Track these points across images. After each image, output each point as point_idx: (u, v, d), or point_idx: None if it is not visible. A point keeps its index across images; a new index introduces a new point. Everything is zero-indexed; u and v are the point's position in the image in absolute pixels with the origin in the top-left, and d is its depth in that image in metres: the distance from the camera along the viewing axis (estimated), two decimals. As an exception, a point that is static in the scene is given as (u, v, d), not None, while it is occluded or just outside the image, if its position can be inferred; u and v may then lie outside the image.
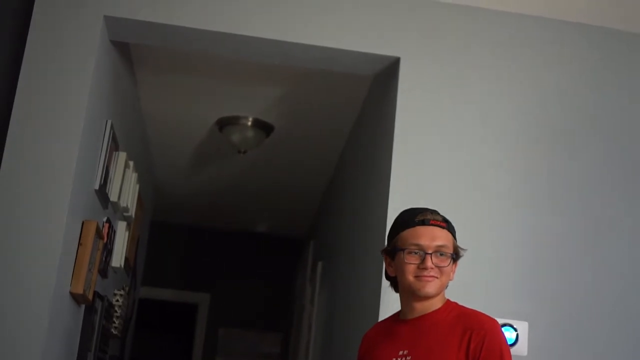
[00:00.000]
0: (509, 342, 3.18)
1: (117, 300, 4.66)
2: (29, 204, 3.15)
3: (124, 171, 4.13)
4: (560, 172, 3.49)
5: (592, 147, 3.54)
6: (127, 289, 4.99)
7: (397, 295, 2.51)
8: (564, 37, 3.63)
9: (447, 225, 2.45)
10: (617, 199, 3.49)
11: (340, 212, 5.25)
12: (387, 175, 3.44)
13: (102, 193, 3.72)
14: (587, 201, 3.47)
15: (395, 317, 2.54)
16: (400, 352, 2.38)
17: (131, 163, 4.36)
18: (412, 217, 2.43)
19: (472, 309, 2.45)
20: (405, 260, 2.38)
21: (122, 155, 4.06)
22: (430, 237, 2.39)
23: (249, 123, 5.09)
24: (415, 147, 3.45)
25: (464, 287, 3.27)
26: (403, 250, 2.39)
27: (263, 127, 5.15)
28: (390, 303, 2.67)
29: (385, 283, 2.57)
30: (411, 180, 3.41)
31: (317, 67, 3.82)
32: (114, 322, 4.63)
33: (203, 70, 4.47)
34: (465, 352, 2.29)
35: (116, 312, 4.66)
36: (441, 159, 3.46)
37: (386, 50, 3.54)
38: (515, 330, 3.24)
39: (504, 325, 3.23)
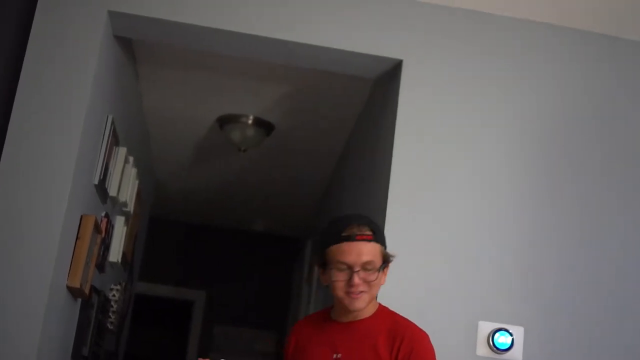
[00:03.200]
0: (504, 347, 3.22)
1: (114, 295, 4.66)
2: (28, 198, 3.16)
3: (124, 166, 4.14)
4: (560, 178, 3.49)
5: (593, 153, 3.54)
6: (123, 284, 4.99)
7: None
8: (568, 43, 3.63)
9: (374, 236, 2.45)
10: (615, 206, 3.49)
11: (337, 213, 5.25)
12: (386, 179, 3.44)
13: (101, 188, 3.72)
14: (585, 206, 3.47)
15: (327, 314, 2.59)
16: (335, 356, 2.43)
17: (131, 158, 4.36)
18: (339, 231, 2.44)
19: (404, 318, 2.50)
20: (333, 278, 2.42)
21: (122, 151, 4.06)
22: (357, 253, 2.40)
23: (250, 121, 5.09)
24: (415, 150, 3.45)
25: (459, 291, 3.30)
26: (331, 267, 2.43)
27: (264, 126, 5.15)
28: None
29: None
30: (411, 184, 3.41)
31: (319, 67, 3.82)
32: (110, 317, 4.63)
33: (205, 67, 4.47)
34: (396, 354, 2.35)
35: (112, 306, 4.65)
36: (442, 163, 3.46)
37: (389, 52, 3.54)
38: (511, 335, 3.24)
39: (500, 329, 3.24)
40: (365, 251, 2.42)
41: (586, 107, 3.58)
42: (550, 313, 3.34)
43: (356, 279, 2.39)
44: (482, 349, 3.26)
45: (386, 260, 2.47)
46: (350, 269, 2.40)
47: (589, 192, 3.49)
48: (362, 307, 2.44)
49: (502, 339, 3.24)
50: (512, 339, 3.24)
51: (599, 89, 3.61)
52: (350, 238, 2.42)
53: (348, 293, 2.41)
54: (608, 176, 3.52)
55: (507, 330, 3.25)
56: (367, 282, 2.41)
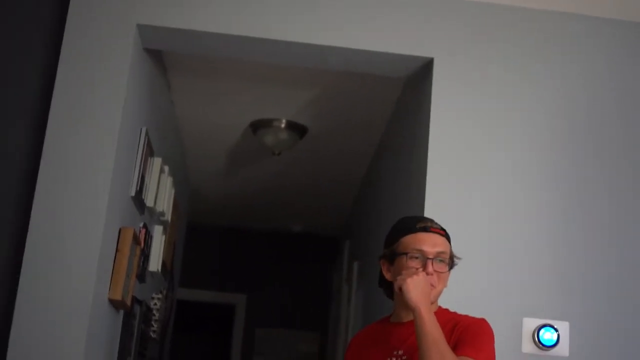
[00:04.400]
0: (550, 344, 3.19)
1: (155, 304, 4.69)
2: (67, 213, 3.18)
3: (159, 176, 4.16)
4: (590, 171, 3.46)
5: (622, 146, 3.49)
6: (164, 292, 5.02)
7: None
8: (593, 32, 3.59)
9: (445, 234, 2.49)
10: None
11: (375, 212, 5.24)
12: (423, 177, 3.42)
13: (138, 199, 3.74)
14: (618, 197, 3.44)
15: (385, 321, 2.57)
16: (395, 352, 2.41)
17: (166, 168, 4.38)
18: (414, 224, 2.48)
19: (465, 315, 2.48)
20: (407, 265, 2.40)
21: (157, 161, 4.08)
22: (432, 243, 2.43)
23: (283, 125, 5.10)
24: (450, 148, 3.44)
25: (502, 288, 3.27)
26: (405, 254, 2.42)
27: (297, 129, 5.15)
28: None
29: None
30: (447, 180, 3.40)
31: (349, 69, 3.81)
32: (153, 326, 4.66)
33: (236, 74, 4.48)
34: (454, 343, 2.32)
35: (154, 315, 4.68)
36: (477, 159, 3.44)
37: (419, 51, 3.52)
38: (556, 330, 3.21)
39: (545, 325, 3.21)
40: (439, 242, 2.45)
41: (613, 95, 3.54)
42: (596, 307, 3.30)
43: (430, 267, 2.40)
44: (528, 346, 3.24)
45: (453, 259, 2.48)
46: (425, 257, 2.41)
47: (620, 183, 3.45)
48: (432, 300, 2.42)
49: (547, 335, 3.21)
50: (558, 335, 3.21)
51: (625, 76, 3.57)
52: (426, 229, 2.46)
53: None
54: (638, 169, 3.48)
55: (552, 326, 3.22)
56: (438, 274, 2.41)
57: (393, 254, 2.47)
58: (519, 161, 3.45)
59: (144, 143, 3.73)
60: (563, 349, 3.23)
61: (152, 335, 4.67)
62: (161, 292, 4.85)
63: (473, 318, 2.45)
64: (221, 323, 8.69)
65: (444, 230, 2.50)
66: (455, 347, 2.28)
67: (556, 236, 3.37)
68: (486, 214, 3.38)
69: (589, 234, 3.39)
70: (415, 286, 2.32)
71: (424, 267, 2.40)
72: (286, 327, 8.28)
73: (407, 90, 4.17)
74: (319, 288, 8.11)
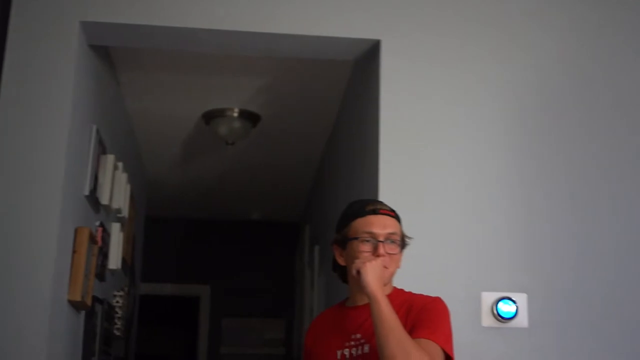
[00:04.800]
0: (509, 316, 3.22)
1: (117, 302, 4.67)
2: (20, 215, 3.16)
3: (114, 173, 4.13)
4: (547, 145, 3.48)
5: (577, 119, 3.53)
6: (126, 289, 5.01)
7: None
8: (544, 11, 3.62)
9: (395, 215, 2.51)
10: (615, 172, 3.48)
11: (332, 196, 5.26)
12: (375, 159, 3.44)
13: (92, 198, 3.72)
14: (584, 172, 3.47)
15: (342, 305, 2.59)
16: (353, 336, 2.42)
17: (120, 164, 4.36)
18: (363, 207, 2.49)
19: (420, 294, 2.49)
20: (359, 249, 2.42)
21: (110, 158, 4.05)
22: (382, 225, 2.44)
23: (235, 114, 5.09)
24: (401, 127, 3.44)
25: (459, 264, 3.31)
26: (356, 238, 2.43)
27: (249, 118, 5.15)
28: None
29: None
30: (400, 160, 3.41)
31: (298, 55, 3.81)
32: (116, 324, 4.65)
33: (185, 65, 4.46)
34: (411, 325, 2.32)
35: (117, 313, 4.67)
36: (429, 138, 3.45)
37: (366, 33, 3.53)
38: (515, 302, 3.24)
39: (503, 298, 3.24)
40: (389, 223, 2.46)
41: (584, 71, 3.58)
42: (553, 278, 3.33)
43: (381, 249, 2.41)
44: (487, 319, 3.26)
45: (404, 240, 2.50)
46: (375, 239, 2.42)
47: (580, 155, 3.49)
48: (386, 282, 2.43)
49: (506, 308, 3.23)
50: (517, 307, 3.24)
51: (575, 49, 3.61)
52: (376, 211, 2.47)
53: None
54: (609, 140, 3.51)
55: (510, 299, 3.25)
56: (390, 255, 2.42)
57: (345, 239, 2.48)
58: (471, 137, 3.46)
59: (96, 141, 3.70)
60: (522, 320, 3.26)
61: (116, 333, 4.66)
62: (123, 289, 4.83)
63: (427, 297, 2.46)
64: (187, 315, 8.68)
65: (394, 211, 2.51)
66: (411, 330, 2.30)
67: (512, 210, 3.39)
68: (441, 191, 3.39)
69: (546, 206, 3.42)
70: (372, 270, 2.34)
71: (375, 249, 2.41)
72: (252, 315, 8.29)
73: (357, 72, 4.18)
74: (282, 275, 8.13)
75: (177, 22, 3.43)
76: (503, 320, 3.24)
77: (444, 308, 2.42)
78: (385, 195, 3.28)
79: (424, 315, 2.36)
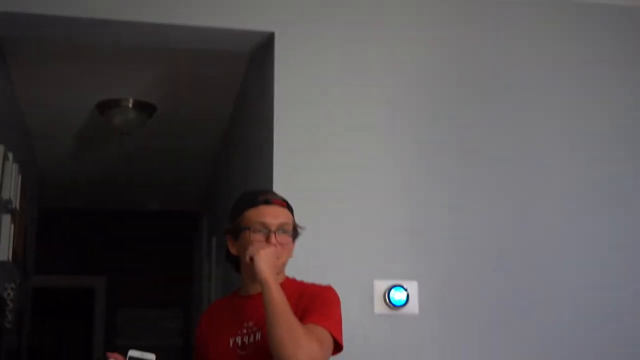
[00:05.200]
0: (400, 304, 3.29)
1: (9, 294, 4.58)
2: None
3: (3, 163, 4.05)
4: (439, 130, 3.56)
5: (478, 101, 3.63)
6: (18, 281, 4.91)
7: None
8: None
9: (287, 205, 2.54)
10: (500, 159, 3.59)
11: (228, 187, 5.27)
12: (270, 150, 3.46)
13: (-19, 189, 3.64)
14: (465, 154, 3.55)
15: (234, 294, 2.62)
16: (246, 324, 2.45)
17: (10, 155, 4.26)
18: (255, 198, 2.51)
19: (311, 283, 2.53)
20: (251, 239, 2.45)
21: (-1, 149, 3.97)
22: (274, 215, 2.47)
23: (130, 105, 5.05)
24: (295, 118, 3.47)
25: (352, 253, 3.36)
26: (248, 229, 2.46)
27: (145, 108, 5.11)
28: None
29: None
30: (294, 150, 3.43)
31: (192, 47, 3.80)
32: (7, 317, 4.55)
33: (79, 56, 4.40)
34: (301, 313, 2.36)
35: (8, 305, 4.58)
36: (322, 129, 3.48)
37: (259, 25, 3.54)
38: (406, 290, 3.31)
39: (395, 286, 3.30)
40: (281, 213, 2.48)
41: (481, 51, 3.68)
42: (442, 265, 3.41)
43: (273, 239, 2.43)
44: (380, 307, 3.32)
45: (296, 230, 2.53)
46: (268, 229, 2.44)
47: (477, 146, 3.57)
48: (278, 271, 2.45)
49: (397, 295, 3.30)
50: (407, 294, 3.31)
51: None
52: (268, 202, 2.48)
53: None
54: (500, 127, 3.62)
55: (401, 286, 3.31)
56: (282, 245, 2.44)
57: (237, 229, 2.50)
58: (368, 121, 3.51)
59: (-16, 131, 3.62)
60: (413, 307, 3.33)
61: (7, 326, 4.57)
62: (14, 282, 4.74)
63: (319, 286, 2.50)
64: (82, 306, 8.55)
65: (286, 201, 2.54)
66: (302, 317, 2.33)
67: (404, 198, 3.45)
68: (334, 180, 3.43)
69: (436, 193, 3.49)
70: (265, 258, 2.37)
71: (267, 239, 2.43)
72: (150, 306, 8.23)
73: (252, 65, 4.19)
74: (180, 265, 8.09)
75: (69, 11, 3.37)
76: (395, 307, 3.31)
77: (335, 296, 2.46)
78: (279, 186, 3.30)
79: (314, 303, 2.40)
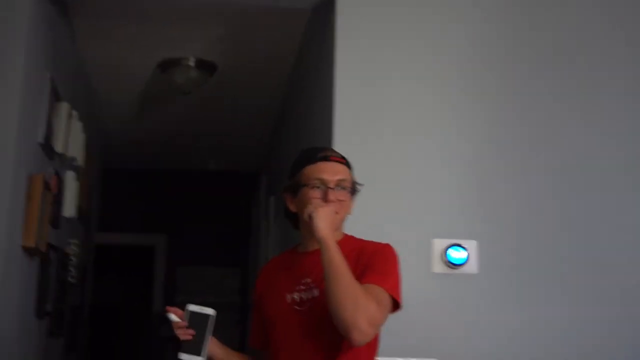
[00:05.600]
0: (460, 262, 3.28)
1: (73, 249, 4.67)
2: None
3: (68, 121, 4.12)
4: (501, 93, 3.52)
5: (537, 75, 3.56)
6: (82, 237, 5.01)
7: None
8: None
9: (346, 162, 2.53)
10: (560, 111, 3.52)
11: (287, 147, 5.28)
12: (330, 107, 3.46)
13: (47, 145, 3.71)
14: (530, 121, 3.51)
15: (293, 251, 2.62)
16: (304, 281, 2.46)
17: (75, 113, 4.33)
18: (314, 154, 2.51)
19: (370, 240, 2.52)
20: (309, 195, 2.45)
21: (64, 106, 4.03)
22: (332, 171, 2.47)
23: (192, 64, 5.07)
24: (356, 77, 3.45)
25: (411, 211, 3.35)
26: (306, 185, 2.46)
27: (206, 67, 5.13)
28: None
29: None
30: (355, 109, 3.43)
31: (254, 3, 3.79)
32: (71, 271, 4.65)
33: (141, 14, 4.42)
34: (360, 271, 2.35)
35: (72, 261, 4.67)
36: (383, 88, 3.46)
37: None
38: (465, 249, 3.29)
39: (453, 245, 3.29)
40: (339, 170, 2.48)
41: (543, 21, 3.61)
42: (503, 226, 3.39)
43: (331, 195, 2.43)
44: (438, 266, 3.32)
45: (355, 187, 2.52)
46: (326, 185, 2.44)
47: (535, 107, 3.52)
48: (336, 227, 2.45)
49: (456, 254, 3.29)
50: (467, 254, 3.29)
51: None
52: (326, 158, 2.49)
53: None
54: (560, 98, 3.55)
55: (460, 245, 3.30)
56: (340, 202, 2.45)
57: (296, 185, 2.50)
58: (427, 88, 3.48)
59: (49, 89, 3.68)
60: (472, 266, 3.32)
61: (71, 280, 4.67)
62: (78, 238, 4.84)
63: (377, 244, 2.49)
64: (143, 264, 8.68)
65: (344, 158, 2.54)
66: (360, 276, 2.33)
67: (466, 158, 3.43)
68: (394, 139, 3.42)
69: (500, 155, 3.45)
70: (324, 216, 2.37)
71: (325, 195, 2.44)
72: (208, 264, 8.32)
73: (313, 22, 4.18)
74: (239, 225, 8.14)
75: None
76: (453, 266, 3.30)
77: (393, 254, 2.46)
78: (339, 144, 3.30)
79: (373, 262, 2.39)
